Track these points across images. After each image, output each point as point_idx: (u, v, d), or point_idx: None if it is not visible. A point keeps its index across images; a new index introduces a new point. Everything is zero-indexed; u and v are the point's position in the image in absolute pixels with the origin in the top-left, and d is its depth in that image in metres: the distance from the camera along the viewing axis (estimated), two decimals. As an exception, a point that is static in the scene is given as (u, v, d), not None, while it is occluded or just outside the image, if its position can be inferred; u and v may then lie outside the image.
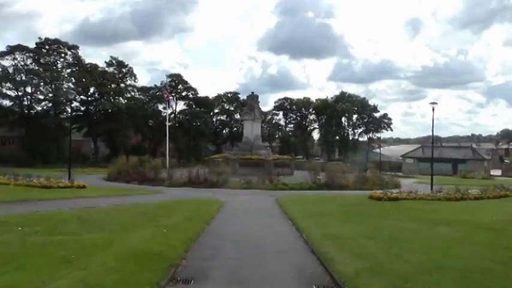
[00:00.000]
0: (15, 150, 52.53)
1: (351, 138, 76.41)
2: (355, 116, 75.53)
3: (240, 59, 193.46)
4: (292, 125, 78.17)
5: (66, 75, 56.21)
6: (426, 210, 16.05)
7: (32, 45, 53.85)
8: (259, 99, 44.77)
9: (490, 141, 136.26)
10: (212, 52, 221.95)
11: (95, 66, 59.03)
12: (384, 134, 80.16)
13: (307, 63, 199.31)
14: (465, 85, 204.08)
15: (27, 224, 10.81)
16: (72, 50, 57.39)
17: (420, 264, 7.88)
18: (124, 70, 63.15)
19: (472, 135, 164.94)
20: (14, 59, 52.62)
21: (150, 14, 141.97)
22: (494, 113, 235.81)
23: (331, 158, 70.10)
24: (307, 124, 78.02)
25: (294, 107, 76.27)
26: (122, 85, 62.44)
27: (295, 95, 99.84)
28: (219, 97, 70.67)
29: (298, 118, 77.30)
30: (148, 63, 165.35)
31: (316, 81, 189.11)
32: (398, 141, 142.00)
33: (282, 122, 77.89)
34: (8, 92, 52.12)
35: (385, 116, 76.79)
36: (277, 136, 76.91)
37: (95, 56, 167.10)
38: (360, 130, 76.72)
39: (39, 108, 55.22)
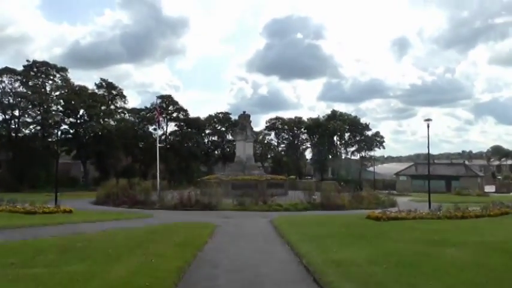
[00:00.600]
0: (2, 174, 51.15)
1: (343, 157, 75.95)
2: (347, 135, 75.24)
3: (231, 80, 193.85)
4: (284, 145, 77.61)
5: (54, 98, 55.46)
6: (429, 231, 15.27)
7: (20, 68, 53.21)
8: (250, 119, 44.21)
9: (480, 158, 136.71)
10: (203, 74, 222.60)
11: (84, 88, 58.37)
12: (376, 152, 79.92)
13: (297, 84, 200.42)
14: (453, 103, 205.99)
15: (1, 254, 9.90)
16: (61, 73, 56.92)
17: (436, 294, 7.10)
18: (114, 92, 62.65)
19: (463, 152, 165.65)
20: (1, 82, 51.94)
21: (141, 37, 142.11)
22: (483, 130, 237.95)
23: (323, 177, 69.40)
24: (299, 143, 77.50)
25: (285, 126, 75.88)
26: (112, 107, 61.81)
27: (286, 115, 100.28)
28: (210, 118, 70.06)
29: (290, 138, 76.80)
30: (139, 86, 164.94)
31: (306, 101, 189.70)
32: (389, 159, 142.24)
33: (274, 142, 77.44)
34: (-5, 116, 51.21)
35: (377, 134, 76.54)
36: (269, 156, 76.23)
37: (86, 79, 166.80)
38: (352, 149, 76.43)
39: (27, 131, 54.39)
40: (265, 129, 76.38)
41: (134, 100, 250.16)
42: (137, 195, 28.91)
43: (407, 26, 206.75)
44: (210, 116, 70.25)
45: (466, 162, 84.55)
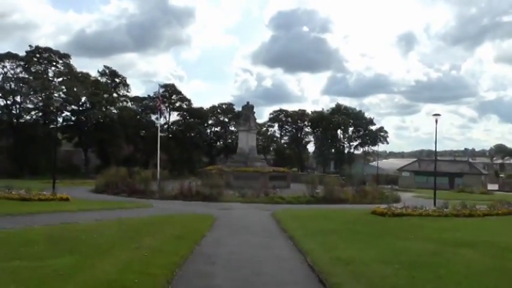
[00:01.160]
0: (3, 161, 50.55)
1: (346, 151, 75.15)
2: (350, 129, 74.37)
3: (235, 71, 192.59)
4: (287, 137, 76.83)
5: (57, 84, 54.70)
6: (438, 229, 14.61)
7: (23, 54, 52.42)
8: (254, 110, 43.54)
9: (483, 156, 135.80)
10: (207, 65, 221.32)
11: (87, 75, 57.56)
12: (379, 148, 79.07)
13: (302, 77, 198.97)
14: (458, 100, 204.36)
15: (-14, 245, 9.28)
16: (64, 59, 56.03)
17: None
18: (117, 80, 61.81)
19: (466, 149, 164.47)
20: (3, 67, 51.23)
21: (146, 27, 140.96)
22: (487, 128, 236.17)
23: (326, 170, 68.72)
24: (302, 136, 76.66)
25: (289, 119, 74.97)
26: (115, 95, 61.02)
27: (290, 107, 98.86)
28: (213, 108, 69.14)
29: (294, 130, 75.97)
30: (143, 75, 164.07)
31: (310, 95, 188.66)
32: (392, 154, 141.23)
33: (277, 134, 76.67)
34: (-3, 101, 50.50)
35: (381, 129, 75.53)
36: (272, 148, 75.48)
37: (90, 67, 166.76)
38: (355, 143, 75.53)
39: (28, 118, 53.62)
40: (268, 121, 75.65)
41: (138, 89, 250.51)
42: (137, 184, 28.31)
43: (414, 22, 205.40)
44: (213, 106, 69.26)
45: (470, 160, 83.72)
